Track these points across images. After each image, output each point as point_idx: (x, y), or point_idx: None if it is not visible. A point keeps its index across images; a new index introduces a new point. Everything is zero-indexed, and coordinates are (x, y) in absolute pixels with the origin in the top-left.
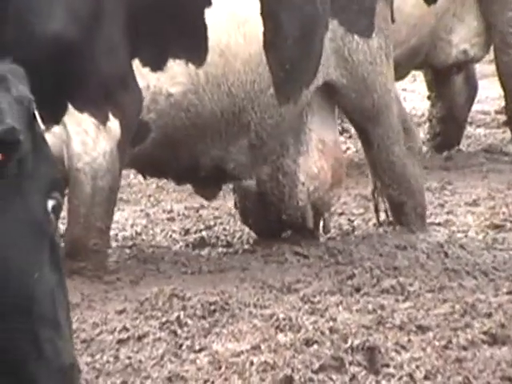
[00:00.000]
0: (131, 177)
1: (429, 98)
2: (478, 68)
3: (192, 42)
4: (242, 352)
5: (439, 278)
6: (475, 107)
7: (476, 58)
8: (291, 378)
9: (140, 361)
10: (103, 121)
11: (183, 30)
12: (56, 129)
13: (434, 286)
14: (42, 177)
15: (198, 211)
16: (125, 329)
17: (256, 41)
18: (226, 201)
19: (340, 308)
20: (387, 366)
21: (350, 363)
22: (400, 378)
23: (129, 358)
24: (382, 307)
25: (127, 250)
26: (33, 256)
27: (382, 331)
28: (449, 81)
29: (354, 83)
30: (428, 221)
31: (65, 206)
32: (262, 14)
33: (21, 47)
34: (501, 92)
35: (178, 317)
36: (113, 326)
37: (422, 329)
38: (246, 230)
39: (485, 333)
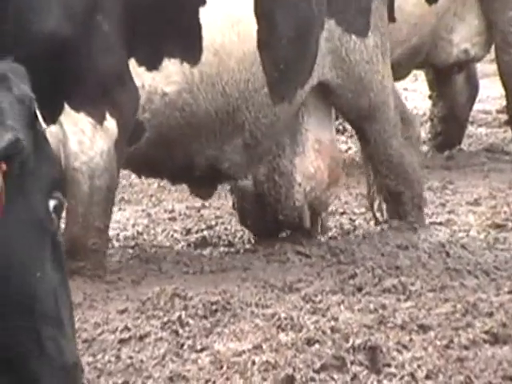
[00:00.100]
0: (132, 177)
1: (430, 97)
2: (479, 67)
3: (187, 41)
4: (243, 351)
5: (441, 277)
6: (476, 106)
7: (477, 57)
8: (293, 378)
9: (141, 360)
10: (100, 120)
11: (178, 30)
12: (52, 128)
13: (435, 286)
14: (44, 176)
15: (199, 211)
16: (126, 328)
17: (250, 40)
18: (228, 200)
19: (342, 307)
20: (389, 365)
21: (352, 363)
22: (401, 378)
23: (130, 357)
24: (384, 307)
25: (129, 250)
26: (35, 255)
27: (384, 331)
28: (450, 80)
29: (351, 83)
30: (429, 220)
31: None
32: (256, 13)
33: (18, 46)
34: (502, 91)
35: (180, 316)
36: (114, 325)
37: (423, 328)
38: None
39: (486, 332)
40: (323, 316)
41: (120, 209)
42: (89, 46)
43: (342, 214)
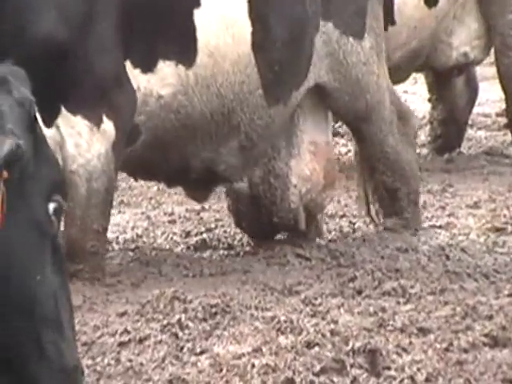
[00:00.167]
0: (132, 179)
1: (429, 100)
2: (479, 70)
3: (181, 44)
4: (243, 354)
5: (440, 280)
6: (476, 109)
7: (476, 60)
8: (292, 381)
9: (141, 363)
10: (97, 122)
11: (173, 32)
12: (49, 131)
13: (435, 289)
14: (43, 179)
15: (199, 213)
16: (126, 331)
17: (244, 42)
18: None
19: (341, 310)
20: (388, 368)
21: (352, 366)
22: (401, 381)
23: (130, 360)
24: (384, 309)
25: (128, 253)
26: (35, 258)
27: (384, 334)
28: (449, 83)
29: (348, 86)
30: (429, 223)
31: None
32: (250, 15)
33: (16, 47)
34: (501, 94)
35: (180, 319)
36: (114, 328)
37: (423, 331)
38: None
39: (486, 335)
40: (323, 319)
41: (119, 212)
42: (85, 48)
43: (342, 216)
